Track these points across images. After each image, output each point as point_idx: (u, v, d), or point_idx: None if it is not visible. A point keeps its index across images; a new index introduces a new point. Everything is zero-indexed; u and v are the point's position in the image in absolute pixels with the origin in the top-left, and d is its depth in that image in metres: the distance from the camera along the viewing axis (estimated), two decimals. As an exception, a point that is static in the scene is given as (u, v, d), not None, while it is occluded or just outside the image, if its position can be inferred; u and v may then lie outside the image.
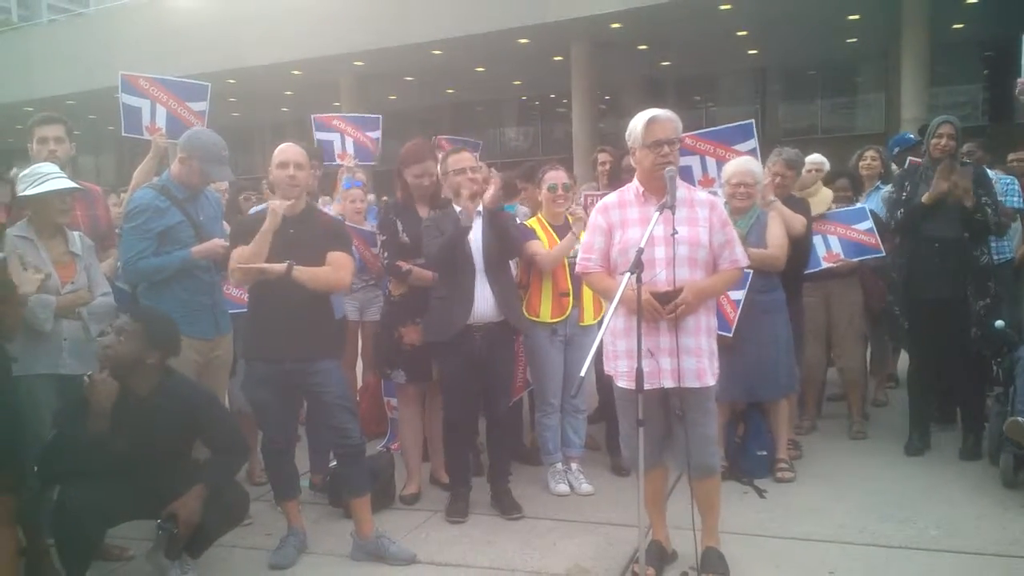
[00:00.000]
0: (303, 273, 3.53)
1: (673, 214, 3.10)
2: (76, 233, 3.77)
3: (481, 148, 6.33)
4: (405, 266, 4.24)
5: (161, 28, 18.94)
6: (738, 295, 4.33)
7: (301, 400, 4.00)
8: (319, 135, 6.45)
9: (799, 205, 4.85)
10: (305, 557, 3.77)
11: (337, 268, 3.66)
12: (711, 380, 3.29)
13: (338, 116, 6.75)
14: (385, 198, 5.65)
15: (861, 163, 6.15)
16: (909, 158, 6.01)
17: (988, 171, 5.18)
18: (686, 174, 4.80)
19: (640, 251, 3.03)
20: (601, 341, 3.11)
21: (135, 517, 3.50)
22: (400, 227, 4.26)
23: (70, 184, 3.70)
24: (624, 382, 3.28)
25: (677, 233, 3.13)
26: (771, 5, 14.57)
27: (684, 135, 3.96)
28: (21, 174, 3.75)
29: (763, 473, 4.51)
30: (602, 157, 5.85)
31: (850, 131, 19.79)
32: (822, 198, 5.29)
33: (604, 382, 4.87)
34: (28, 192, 3.60)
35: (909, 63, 14.84)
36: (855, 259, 5.16)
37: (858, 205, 5.39)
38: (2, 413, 3.08)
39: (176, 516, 3.25)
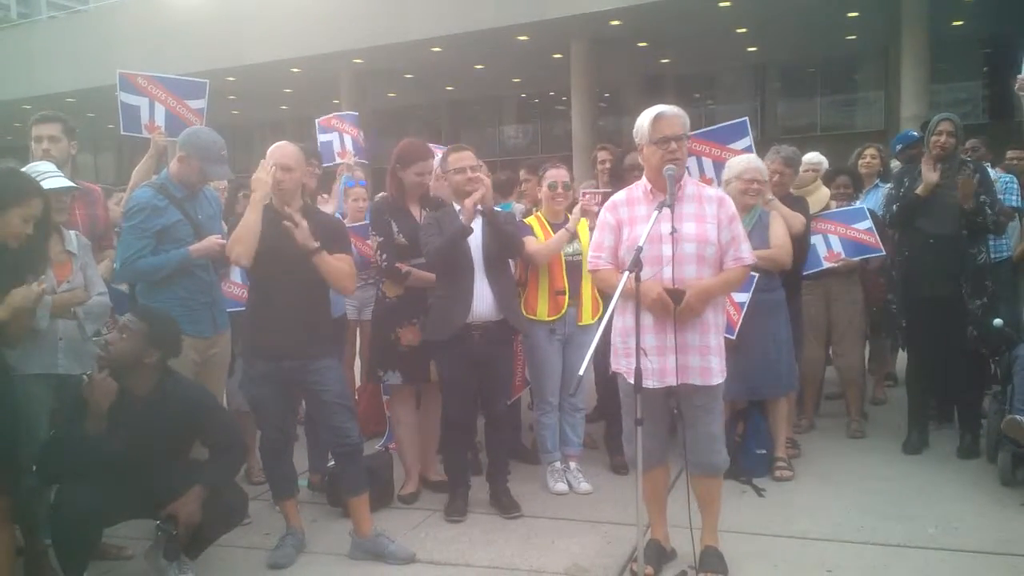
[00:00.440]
0: (325, 261, 3.58)
1: (672, 212, 3.10)
2: (72, 232, 3.76)
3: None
4: (404, 268, 4.24)
5: (160, 25, 18.93)
6: (742, 297, 4.32)
7: (300, 399, 4.00)
8: (322, 137, 6.47)
9: (798, 204, 4.85)
10: (304, 556, 3.77)
11: (347, 275, 3.76)
12: (719, 378, 3.29)
13: (336, 115, 6.78)
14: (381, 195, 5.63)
15: (861, 161, 6.16)
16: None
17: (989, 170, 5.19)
18: (684, 175, 4.79)
19: (639, 249, 3.03)
20: (600, 340, 3.10)
21: (133, 517, 3.51)
22: (395, 228, 4.25)
23: (66, 183, 3.69)
24: (633, 380, 3.28)
25: (676, 231, 3.13)
26: (770, 2, 14.55)
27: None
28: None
29: (762, 472, 4.51)
30: (602, 155, 5.84)
31: (850, 128, 19.78)
32: (820, 197, 5.29)
33: (603, 381, 4.89)
34: None
35: (909, 60, 14.82)
36: (856, 258, 5.16)
37: (856, 205, 5.39)
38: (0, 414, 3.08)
39: (175, 517, 3.25)
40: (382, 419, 5.33)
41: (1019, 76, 4.58)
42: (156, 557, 3.37)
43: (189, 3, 18.99)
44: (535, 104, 23.97)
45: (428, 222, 4.13)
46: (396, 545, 3.70)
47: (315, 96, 17.75)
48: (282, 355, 3.61)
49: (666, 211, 3.11)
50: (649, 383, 3.17)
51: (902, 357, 5.69)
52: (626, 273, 3.04)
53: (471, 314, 4.02)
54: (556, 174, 4.49)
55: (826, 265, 5.13)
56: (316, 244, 3.56)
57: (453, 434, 4.24)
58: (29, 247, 3.19)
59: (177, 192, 3.94)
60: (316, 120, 6.54)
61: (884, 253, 5.14)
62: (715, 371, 3.27)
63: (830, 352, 5.52)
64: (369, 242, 4.81)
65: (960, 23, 16.50)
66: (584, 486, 4.46)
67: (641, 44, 17.62)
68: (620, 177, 5.19)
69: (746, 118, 5.17)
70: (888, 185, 5.45)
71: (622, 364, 3.34)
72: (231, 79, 18.33)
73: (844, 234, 5.16)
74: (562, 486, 4.46)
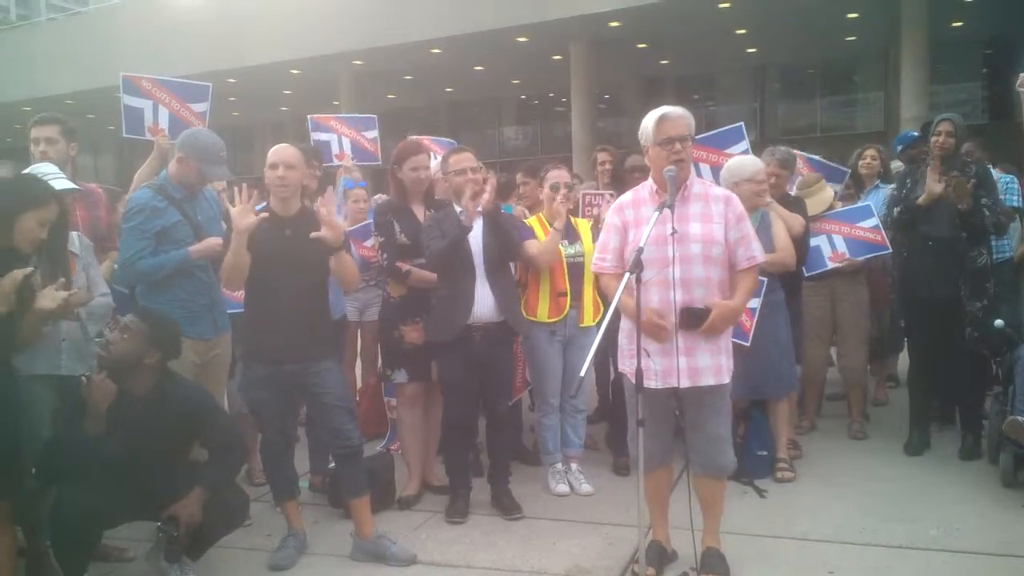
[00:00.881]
0: (346, 258, 3.68)
1: (673, 213, 3.10)
2: (74, 233, 3.76)
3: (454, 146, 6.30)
4: (405, 267, 4.25)
5: (160, 27, 18.93)
6: (754, 303, 4.31)
7: (300, 400, 4.00)
8: (316, 135, 6.44)
9: (796, 205, 4.84)
10: (305, 558, 3.76)
11: (356, 272, 3.86)
12: (726, 378, 3.28)
13: (334, 117, 6.75)
14: (380, 196, 5.63)
15: (861, 162, 6.14)
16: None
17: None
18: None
19: (640, 251, 3.03)
20: (600, 342, 3.10)
21: (133, 519, 3.50)
22: (397, 228, 4.26)
23: (67, 184, 3.69)
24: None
25: (676, 232, 3.13)
26: (770, 3, 14.55)
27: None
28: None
29: (763, 473, 4.51)
30: (602, 157, 5.84)
31: (850, 130, 19.77)
32: (823, 198, 5.26)
33: (604, 382, 4.90)
34: None
35: (909, 61, 14.82)
36: (861, 258, 5.14)
37: (861, 203, 5.37)
38: (1, 415, 3.07)
39: (176, 518, 3.25)
40: (383, 421, 5.33)
41: (1022, 74, 4.57)
42: (157, 559, 3.37)
43: (189, 4, 19.01)
44: (535, 105, 23.98)
45: (429, 223, 4.14)
46: (397, 547, 3.70)
47: (315, 97, 17.74)
48: (283, 359, 3.61)
49: (667, 212, 3.11)
50: (651, 384, 3.17)
51: (903, 358, 5.69)
52: (627, 274, 3.04)
53: (472, 315, 4.02)
54: (557, 175, 4.48)
55: (830, 265, 5.12)
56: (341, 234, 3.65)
57: (454, 435, 4.24)
58: (48, 252, 3.19)
59: (176, 193, 3.94)
60: (309, 117, 6.51)
61: (891, 250, 5.12)
62: (725, 369, 3.27)
63: (835, 352, 5.52)
64: (367, 244, 4.82)
65: (960, 24, 16.51)
66: (585, 487, 4.45)
67: (641, 45, 17.62)
68: (621, 179, 5.19)
69: (743, 123, 5.22)
70: (890, 186, 5.45)
71: (626, 365, 3.33)
72: (231, 80, 18.33)
73: (849, 233, 5.14)
74: (563, 487, 4.45)
